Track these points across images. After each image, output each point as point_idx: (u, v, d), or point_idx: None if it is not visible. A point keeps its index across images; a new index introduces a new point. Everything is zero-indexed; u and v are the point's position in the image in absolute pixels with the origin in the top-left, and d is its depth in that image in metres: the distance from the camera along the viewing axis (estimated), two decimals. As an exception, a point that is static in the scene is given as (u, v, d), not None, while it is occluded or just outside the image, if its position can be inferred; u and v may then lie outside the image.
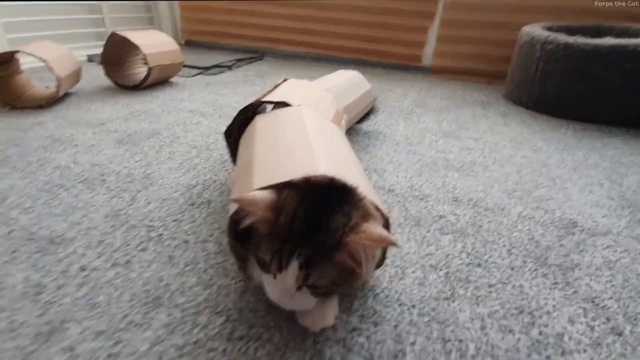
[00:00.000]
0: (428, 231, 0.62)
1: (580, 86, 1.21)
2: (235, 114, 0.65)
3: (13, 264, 0.50)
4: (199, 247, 0.55)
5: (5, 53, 1.08)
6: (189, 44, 2.42)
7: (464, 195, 0.74)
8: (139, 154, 0.85)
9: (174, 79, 1.57)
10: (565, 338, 0.43)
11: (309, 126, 0.50)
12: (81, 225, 0.58)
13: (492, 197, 0.74)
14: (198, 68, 1.76)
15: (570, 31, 1.42)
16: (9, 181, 0.70)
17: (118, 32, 1.29)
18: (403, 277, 0.51)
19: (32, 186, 0.69)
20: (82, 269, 0.50)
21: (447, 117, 1.25)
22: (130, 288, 0.47)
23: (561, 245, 0.60)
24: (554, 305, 0.48)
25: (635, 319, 0.46)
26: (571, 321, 0.45)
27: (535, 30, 1.33)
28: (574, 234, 0.63)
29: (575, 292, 0.50)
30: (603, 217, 0.68)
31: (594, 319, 0.46)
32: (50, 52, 1.12)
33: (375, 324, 0.44)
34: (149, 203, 0.65)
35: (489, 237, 0.61)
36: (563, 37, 1.20)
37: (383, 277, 0.51)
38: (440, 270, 0.53)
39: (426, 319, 0.45)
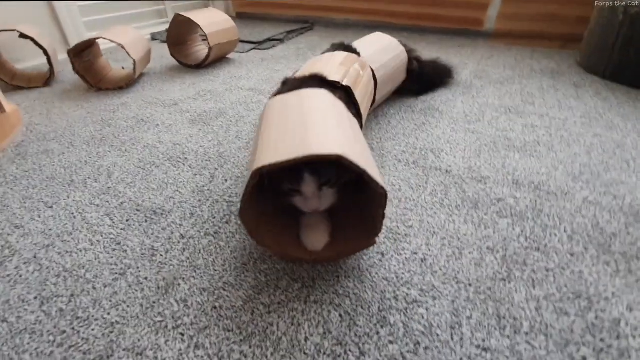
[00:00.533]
0: (486, 214, 0.64)
1: (673, 52, 1.07)
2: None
3: (130, 230, 0.61)
4: (273, 221, 0.63)
5: (88, 40, 1.21)
6: (240, 16, 2.46)
7: (525, 177, 0.73)
8: (210, 133, 0.94)
9: (230, 55, 1.64)
10: (622, 324, 0.45)
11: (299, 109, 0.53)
12: (175, 199, 0.69)
13: (555, 180, 0.72)
14: (252, 43, 1.81)
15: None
16: (110, 158, 0.83)
17: (181, 14, 1.37)
18: (460, 257, 0.55)
19: (129, 163, 0.81)
20: (182, 236, 0.60)
21: (510, 90, 1.18)
22: (222, 254, 0.56)
23: (628, 233, 0.59)
24: (613, 292, 0.49)
25: (703, 311, 0.46)
26: (630, 308, 0.47)
27: (622, -13, 1.17)
28: (644, 221, 0.61)
29: (637, 280, 0.51)
30: (681, 204, 0.65)
31: (656, 308, 0.47)
32: (126, 37, 1.23)
33: (434, 298, 0.49)
34: (225, 180, 0.74)
35: (550, 222, 0.61)
36: (657, -4, 1.05)
37: (440, 256, 0.55)
38: (497, 252, 0.56)
39: (482, 296, 0.49)
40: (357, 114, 0.72)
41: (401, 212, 0.64)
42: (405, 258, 0.55)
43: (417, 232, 0.60)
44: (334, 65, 0.75)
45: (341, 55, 0.82)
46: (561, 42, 1.65)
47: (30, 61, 1.49)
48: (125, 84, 1.27)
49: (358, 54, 0.90)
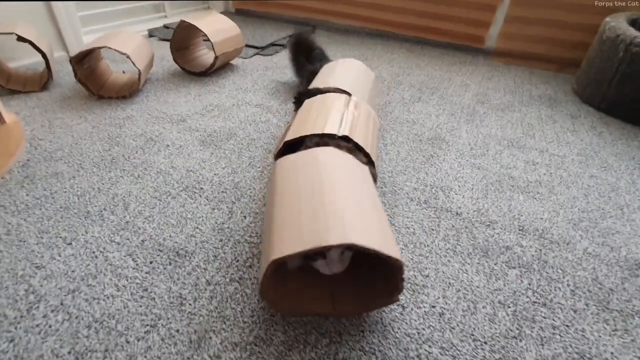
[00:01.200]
0: (495, 263, 0.68)
1: (665, 94, 1.13)
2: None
3: (155, 274, 0.62)
4: (295, 266, 0.65)
5: (92, 48, 1.17)
6: (239, 13, 2.40)
7: (530, 223, 0.78)
8: (223, 158, 0.94)
9: (233, 61, 1.61)
10: (622, 388, 0.50)
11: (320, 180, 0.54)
12: (196, 238, 0.70)
13: (557, 227, 0.77)
14: (254, 47, 1.78)
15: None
16: (124, 186, 0.83)
17: (186, 20, 1.33)
18: (475, 312, 0.59)
19: (144, 193, 0.81)
20: (208, 282, 0.61)
21: (512, 119, 1.23)
22: (249, 304, 0.58)
23: (624, 289, 0.64)
24: (612, 353, 0.54)
25: (689, 374, 0.52)
26: (627, 370, 0.52)
27: (621, 26, 1.22)
28: (637, 276, 0.67)
29: (633, 340, 0.56)
30: (670, 258, 0.71)
31: (649, 370, 0.52)
32: (131, 45, 1.19)
33: (454, 357, 0.52)
34: (244, 217, 0.75)
35: (554, 275, 0.66)
36: (655, 41, 1.10)
37: (457, 310, 0.59)
38: (509, 307, 0.60)
39: (497, 355, 0.53)
40: (364, 155, 0.73)
41: (417, 260, 0.68)
42: (425, 312, 0.58)
43: (433, 282, 0.63)
44: (328, 115, 0.74)
45: (332, 100, 0.80)
46: (558, 65, 1.70)
47: (25, 60, 1.42)
48: (129, 93, 1.24)
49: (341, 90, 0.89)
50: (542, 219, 0.79)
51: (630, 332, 0.57)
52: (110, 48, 1.12)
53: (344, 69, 1.02)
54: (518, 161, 1.00)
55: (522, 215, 0.80)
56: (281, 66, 1.60)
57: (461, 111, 1.27)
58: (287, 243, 0.46)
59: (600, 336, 0.56)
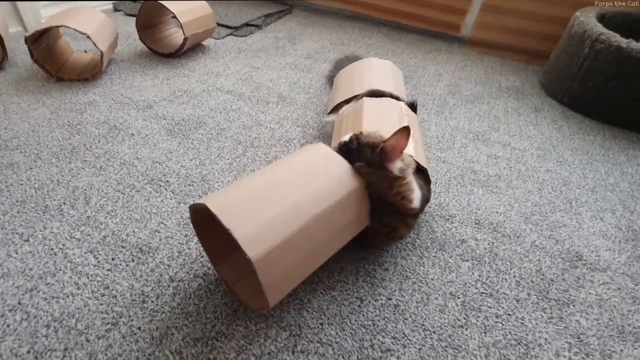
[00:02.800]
0: (450, 257, 0.72)
1: (622, 92, 1.19)
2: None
3: (117, 271, 0.62)
4: (260, 261, 0.67)
5: (49, 27, 1.09)
6: (213, -13, 2.28)
7: (486, 217, 0.82)
8: (191, 149, 0.93)
9: (205, 42, 1.56)
10: (550, 371, 0.55)
11: None
12: (160, 234, 0.70)
13: (510, 220, 0.82)
14: (227, 27, 1.71)
15: (627, 21, 1.34)
16: (85, 178, 0.80)
17: (153, -3, 1.26)
18: (427, 303, 0.63)
19: (107, 185, 0.79)
20: (172, 279, 0.62)
21: (479, 112, 1.26)
22: (212, 300, 0.60)
23: (563, 280, 0.70)
24: (546, 339, 0.60)
25: (610, 357, 0.58)
26: (557, 354, 0.58)
27: (589, 22, 1.25)
28: (577, 267, 0.73)
29: (566, 327, 0.62)
30: (606, 250, 0.77)
31: (575, 354, 0.58)
32: (92, 24, 1.12)
33: (404, 346, 0.56)
34: (211, 211, 0.76)
35: (502, 267, 0.71)
36: (616, 39, 1.14)
37: (411, 302, 0.63)
38: (458, 298, 0.64)
39: (444, 344, 0.57)
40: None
41: (378, 253, 0.71)
42: (381, 304, 0.62)
43: (391, 275, 0.67)
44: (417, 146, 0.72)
45: (406, 119, 0.77)
46: (528, 56, 1.74)
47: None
48: (91, 76, 1.18)
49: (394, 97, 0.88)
50: (497, 212, 0.84)
51: (564, 320, 0.63)
52: (69, 27, 1.06)
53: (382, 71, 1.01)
54: (481, 155, 1.04)
55: (479, 209, 0.84)
56: (255, 49, 1.56)
57: (432, 102, 1.29)
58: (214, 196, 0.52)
59: (537, 324, 0.62)
